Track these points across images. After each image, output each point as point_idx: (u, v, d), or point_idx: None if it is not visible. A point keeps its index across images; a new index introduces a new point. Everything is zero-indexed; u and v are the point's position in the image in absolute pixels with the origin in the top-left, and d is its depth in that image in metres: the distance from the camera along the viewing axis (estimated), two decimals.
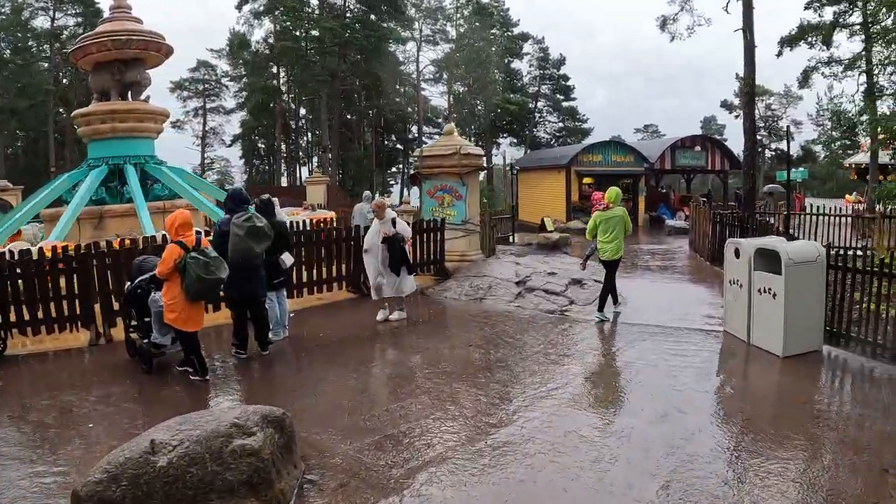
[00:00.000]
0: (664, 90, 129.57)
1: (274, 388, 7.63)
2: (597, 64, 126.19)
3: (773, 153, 58.71)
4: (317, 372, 8.05)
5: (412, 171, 16.69)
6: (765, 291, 8.41)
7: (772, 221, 18.13)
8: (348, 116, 57.10)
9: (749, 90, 16.28)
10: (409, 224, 14.82)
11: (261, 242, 8.27)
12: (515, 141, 58.62)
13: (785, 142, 61.83)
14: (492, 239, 17.40)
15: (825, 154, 62.65)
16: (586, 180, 32.09)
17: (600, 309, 10.53)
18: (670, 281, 13.93)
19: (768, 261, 8.52)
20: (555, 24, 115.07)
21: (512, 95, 49.92)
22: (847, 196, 43.15)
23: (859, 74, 29.03)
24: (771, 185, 34.02)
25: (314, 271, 12.60)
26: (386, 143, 60.61)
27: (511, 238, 23.72)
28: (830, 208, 18.83)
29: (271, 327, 9.31)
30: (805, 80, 32.79)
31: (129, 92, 18.21)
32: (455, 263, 15.34)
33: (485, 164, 16.09)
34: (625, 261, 15.84)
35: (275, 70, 53.11)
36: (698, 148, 33.59)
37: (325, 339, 9.65)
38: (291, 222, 14.48)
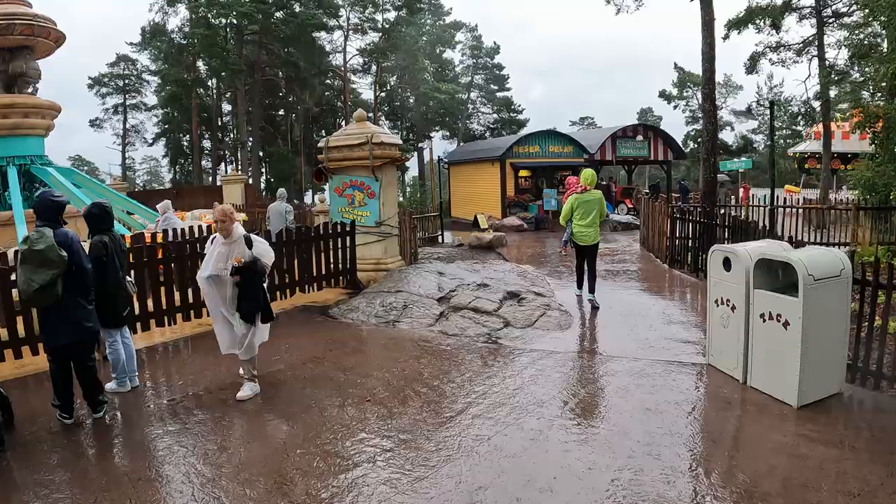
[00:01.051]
0: (601, 84, 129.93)
1: (79, 483, 4.93)
2: (533, 58, 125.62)
3: None
4: (148, 454, 5.37)
5: (317, 166, 13.79)
6: (771, 318, 6.07)
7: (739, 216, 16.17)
8: (273, 112, 53.76)
9: (709, 66, 14.11)
10: (311, 228, 12.26)
11: (39, 271, 5.51)
12: (448, 134, 56.02)
13: (726, 130, 61.18)
14: (413, 242, 14.88)
15: (765, 144, 62.32)
16: (522, 173, 29.87)
17: (580, 287, 10.80)
18: (626, 290, 11.56)
19: (773, 275, 6.20)
20: (490, 18, 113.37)
21: (442, 84, 47.02)
22: (787, 186, 42.11)
23: (811, 59, 27.54)
24: (718, 176, 32.31)
25: (189, 292, 9.93)
26: (316, 138, 57.25)
27: (440, 238, 21.26)
28: (785, 199, 16.97)
29: (114, 376, 6.80)
30: (752, 65, 31.20)
31: (16, 84, 15.68)
32: (369, 273, 12.82)
33: (403, 156, 13.38)
34: (567, 265, 13.58)
35: (191, 61, 49.27)
36: (640, 137, 31.69)
37: (183, 390, 6.96)
38: (174, 229, 11.83)
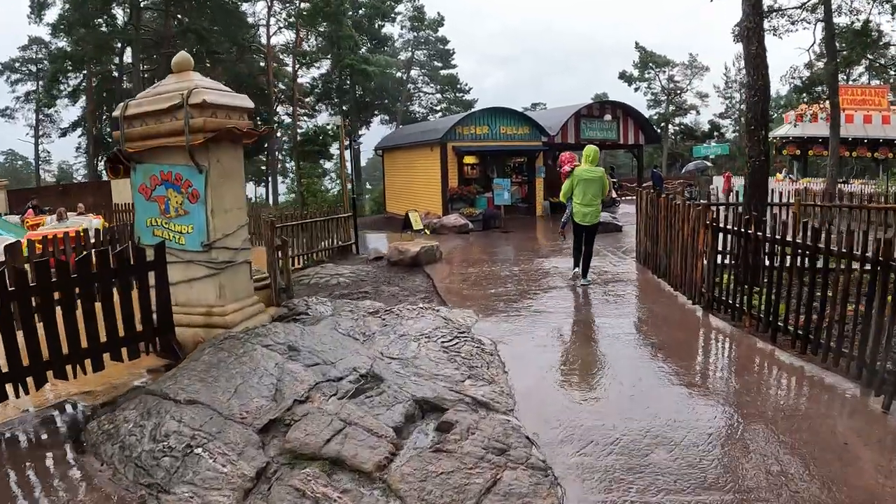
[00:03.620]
0: (555, 72, 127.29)
1: None
2: (487, 45, 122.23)
3: (678, 128, 53.05)
4: None
5: (112, 151, 7.82)
6: None
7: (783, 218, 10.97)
8: None
9: None
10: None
11: None
12: (388, 118, 49.85)
13: (691, 115, 56.54)
14: (282, 272, 9.33)
15: (734, 129, 57.96)
16: (468, 159, 24.52)
17: (577, 266, 10.20)
18: (655, 381, 5.96)
19: None
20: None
21: (372, 56, 40.41)
22: (778, 175, 37.78)
23: (816, 23, 22.78)
24: (697, 163, 27.43)
25: None
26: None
27: (354, 247, 15.76)
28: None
29: None
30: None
31: None
32: (197, 331, 7.36)
33: (254, 127, 7.40)
34: (528, 300, 8.43)
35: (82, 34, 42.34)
36: (609, 117, 26.52)
37: None
38: None
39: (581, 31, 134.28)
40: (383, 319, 7.09)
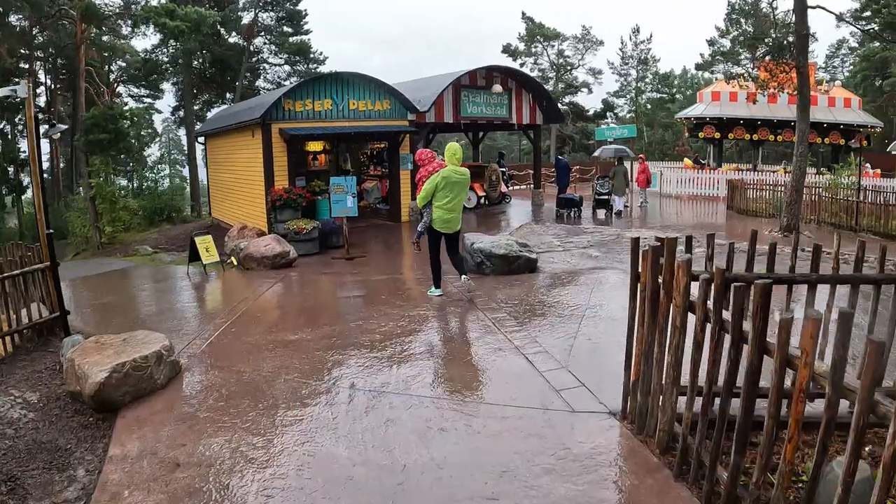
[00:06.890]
0: (438, 54, 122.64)
1: None
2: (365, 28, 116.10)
3: (567, 108, 47.36)
4: None
5: None
6: None
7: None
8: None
9: None
10: None
11: None
12: (231, 97, 41.14)
13: (582, 93, 51.16)
14: None
15: (630, 109, 53.15)
16: (313, 146, 17.56)
17: (439, 286, 9.02)
18: None
19: None
20: None
21: (175, 6, 30.74)
22: (687, 161, 32.81)
23: None
24: (617, 147, 21.35)
25: None
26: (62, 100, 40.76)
27: (62, 325, 8.31)
28: None
29: None
30: None
31: None
32: None
33: None
34: None
35: None
36: (498, 88, 19.94)
37: None
38: None
39: (467, 13, 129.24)
40: None
